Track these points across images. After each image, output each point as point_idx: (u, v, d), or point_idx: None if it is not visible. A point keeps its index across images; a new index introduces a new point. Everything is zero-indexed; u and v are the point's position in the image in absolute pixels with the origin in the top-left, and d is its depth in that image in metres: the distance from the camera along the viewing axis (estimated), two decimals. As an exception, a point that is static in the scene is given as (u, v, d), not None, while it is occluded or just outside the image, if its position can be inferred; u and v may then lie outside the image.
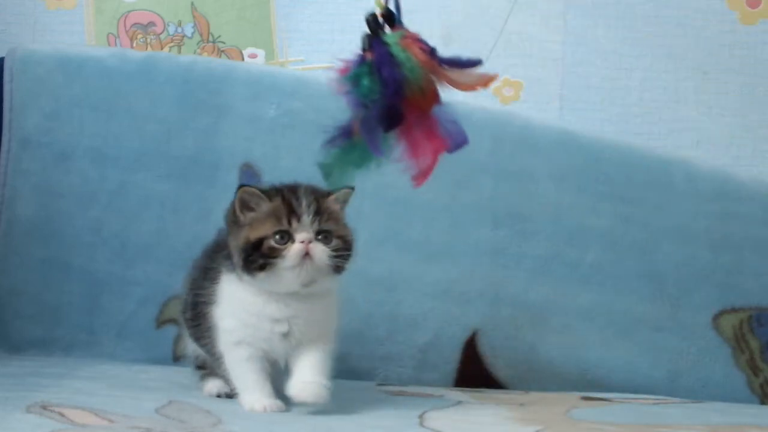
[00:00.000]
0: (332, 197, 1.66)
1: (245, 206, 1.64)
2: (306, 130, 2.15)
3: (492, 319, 2.12)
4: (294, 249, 1.60)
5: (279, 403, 1.67)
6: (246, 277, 1.63)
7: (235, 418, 1.60)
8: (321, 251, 1.61)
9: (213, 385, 1.79)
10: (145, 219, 2.11)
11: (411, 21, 2.31)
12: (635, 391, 2.08)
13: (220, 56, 2.31)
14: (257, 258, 1.60)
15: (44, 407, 1.57)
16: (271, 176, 2.12)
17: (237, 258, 1.63)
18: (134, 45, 2.32)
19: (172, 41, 2.32)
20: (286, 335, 1.66)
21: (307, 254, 1.61)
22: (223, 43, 2.32)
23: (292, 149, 2.15)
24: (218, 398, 1.77)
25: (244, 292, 1.65)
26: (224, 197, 2.09)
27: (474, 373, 2.11)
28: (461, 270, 2.13)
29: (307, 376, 1.65)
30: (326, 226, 1.62)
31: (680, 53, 2.31)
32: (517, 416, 1.77)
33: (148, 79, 2.16)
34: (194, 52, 2.31)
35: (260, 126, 2.15)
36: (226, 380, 1.73)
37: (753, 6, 2.30)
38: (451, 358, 2.12)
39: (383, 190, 2.14)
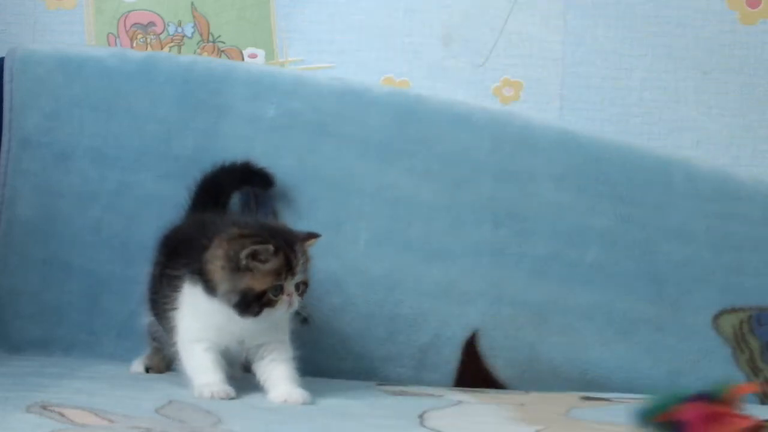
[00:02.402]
0: (308, 244, 1.80)
1: (255, 257, 1.74)
2: (306, 130, 2.15)
3: (492, 319, 2.12)
4: (284, 301, 1.76)
5: (229, 389, 1.76)
6: (234, 313, 1.76)
7: (235, 418, 1.60)
8: (297, 300, 1.78)
9: (138, 363, 1.98)
10: (145, 219, 2.11)
11: (411, 21, 2.33)
12: (635, 391, 2.08)
13: (220, 56, 2.31)
14: (256, 306, 1.75)
15: (44, 407, 1.57)
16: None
17: (233, 299, 1.75)
18: (134, 45, 2.32)
19: (172, 41, 2.32)
20: (241, 342, 1.81)
21: (290, 304, 1.78)
22: (223, 43, 2.32)
23: (292, 149, 2.15)
24: (207, 398, 1.79)
25: (206, 305, 1.78)
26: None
27: (474, 373, 2.11)
28: (461, 270, 2.13)
29: (287, 386, 1.79)
30: (303, 277, 1.78)
31: (680, 53, 2.31)
32: (517, 416, 1.77)
33: (148, 79, 2.16)
34: (194, 52, 2.31)
35: (260, 126, 2.15)
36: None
37: (753, 6, 2.30)
38: (451, 358, 2.12)
39: (383, 190, 2.14)
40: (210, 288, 1.76)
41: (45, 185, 2.14)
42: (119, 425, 1.50)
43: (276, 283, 1.74)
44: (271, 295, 1.75)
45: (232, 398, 1.75)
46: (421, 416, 1.72)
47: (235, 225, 1.80)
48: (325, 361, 2.10)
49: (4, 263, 2.13)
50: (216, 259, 1.76)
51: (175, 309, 1.82)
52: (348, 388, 1.97)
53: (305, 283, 1.79)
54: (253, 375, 1.84)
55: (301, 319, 2.06)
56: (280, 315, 1.77)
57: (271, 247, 1.74)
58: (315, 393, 1.84)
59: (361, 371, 2.11)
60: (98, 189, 2.14)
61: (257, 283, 1.74)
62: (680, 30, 2.31)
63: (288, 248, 1.76)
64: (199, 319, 1.79)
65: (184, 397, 1.73)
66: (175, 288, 1.82)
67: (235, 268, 1.74)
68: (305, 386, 1.81)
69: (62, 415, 1.54)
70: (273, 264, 1.74)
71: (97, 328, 2.13)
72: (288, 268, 1.75)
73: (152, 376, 1.97)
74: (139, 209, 2.12)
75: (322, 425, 1.61)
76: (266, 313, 1.75)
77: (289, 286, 1.76)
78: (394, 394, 1.96)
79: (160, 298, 1.87)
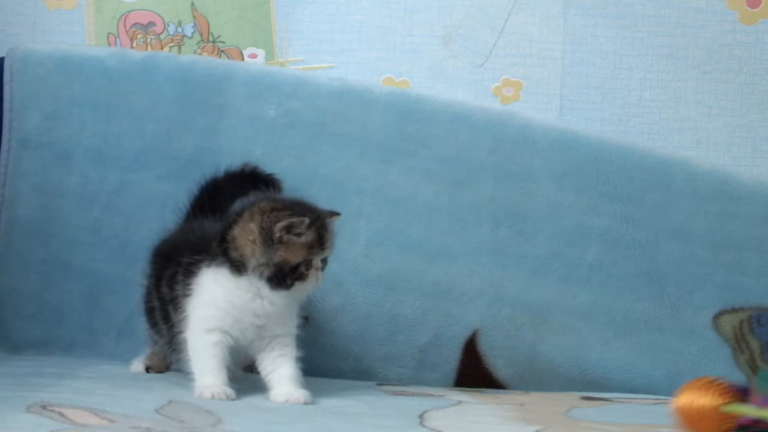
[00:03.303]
0: (331, 220, 1.81)
1: (290, 231, 1.75)
2: (306, 130, 2.15)
3: (492, 319, 2.12)
4: (315, 275, 1.78)
5: (229, 391, 1.76)
6: (266, 289, 1.77)
7: (235, 418, 1.60)
8: (322, 275, 1.79)
9: (138, 363, 1.99)
10: (145, 219, 2.11)
11: (411, 21, 2.33)
12: (635, 391, 2.09)
13: (220, 56, 2.31)
14: (290, 279, 1.76)
15: (44, 407, 1.57)
16: (271, 176, 2.14)
17: (266, 272, 1.76)
18: (134, 45, 2.32)
19: (172, 41, 2.32)
20: (260, 327, 1.80)
21: (317, 278, 1.79)
22: (223, 43, 2.32)
23: (292, 149, 2.15)
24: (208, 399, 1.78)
25: (231, 286, 1.77)
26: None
27: (474, 373, 2.11)
28: (461, 270, 2.13)
29: (289, 387, 1.79)
30: (330, 252, 1.80)
31: (680, 53, 2.31)
32: (517, 416, 1.77)
33: (148, 79, 2.16)
34: (194, 52, 2.31)
35: (260, 126, 2.15)
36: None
37: (753, 6, 2.31)
38: (451, 358, 2.12)
39: (383, 190, 2.14)
40: (238, 265, 1.76)
41: (45, 185, 2.14)
42: (119, 425, 1.50)
43: (308, 257, 1.75)
44: (303, 269, 1.76)
45: (233, 400, 1.75)
46: (421, 416, 1.72)
47: (265, 199, 1.81)
48: (325, 361, 2.10)
49: (4, 263, 2.13)
50: (247, 233, 1.76)
51: (188, 296, 1.80)
52: (348, 388, 1.97)
53: (326, 261, 1.80)
54: (257, 370, 1.83)
55: (301, 318, 2.06)
56: (310, 289, 1.78)
57: (306, 220, 1.75)
58: (315, 393, 1.84)
59: (361, 371, 2.11)
60: (98, 189, 2.14)
61: (292, 255, 1.75)
62: (680, 30, 2.31)
63: (320, 223, 1.77)
64: (218, 304, 1.78)
65: (184, 397, 1.73)
66: (192, 273, 1.80)
67: (269, 240, 1.75)
68: (305, 386, 1.81)
69: (62, 415, 1.54)
70: (307, 237, 1.76)
71: (97, 328, 2.13)
72: (320, 242, 1.76)
73: (152, 376, 1.97)
74: (139, 209, 2.12)
75: (322, 425, 1.61)
76: (297, 286, 1.76)
77: (317, 261, 1.77)
78: (394, 394, 1.96)
79: (165, 297, 1.87)
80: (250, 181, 2.07)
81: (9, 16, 2.31)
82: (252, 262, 1.75)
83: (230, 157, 2.13)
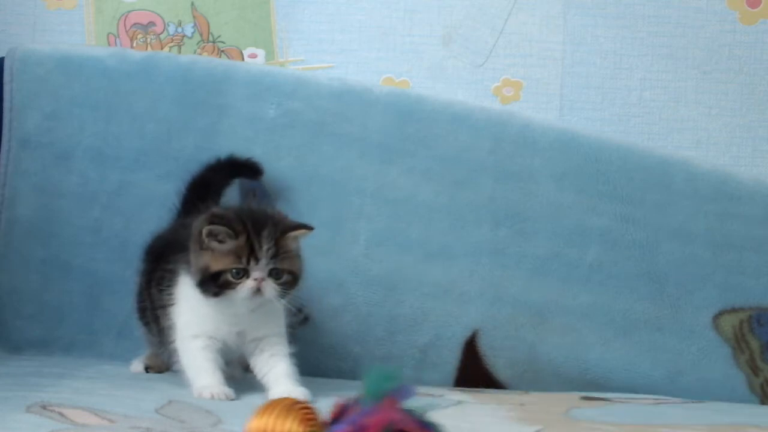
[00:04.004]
0: (291, 235, 1.77)
1: (213, 236, 1.74)
2: (306, 130, 2.15)
3: (492, 319, 2.12)
4: (246, 285, 1.74)
5: (228, 391, 1.76)
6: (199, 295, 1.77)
7: (235, 418, 1.60)
8: (271, 288, 1.75)
9: (138, 363, 1.99)
10: (145, 219, 2.11)
11: (411, 21, 2.33)
12: (635, 391, 2.09)
13: (220, 56, 2.31)
14: (212, 287, 1.75)
15: (44, 407, 1.57)
16: (271, 176, 2.13)
17: (194, 277, 1.76)
18: (134, 45, 2.32)
19: (172, 41, 2.32)
20: (240, 333, 1.81)
21: (258, 290, 1.75)
22: (223, 43, 2.32)
23: (292, 149, 2.15)
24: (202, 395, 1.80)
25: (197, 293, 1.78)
26: (224, 198, 2.11)
27: (474, 373, 2.11)
28: (461, 270, 2.13)
29: (288, 385, 1.78)
30: (280, 264, 1.75)
31: (680, 53, 2.31)
32: (517, 416, 1.77)
33: (148, 79, 2.16)
34: (194, 52, 2.31)
35: (260, 126, 2.15)
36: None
37: (753, 6, 2.31)
38: (451, 358, 2.12)
39: (383, 190, 2.14)
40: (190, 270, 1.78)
41: (45, 185, 2.14)
42: (119, 425, 1.50)
43: (236, 266, 1.73)
44: (230, 277, 1.73)
45: (232, 399, 1.75)
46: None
47: (221, 207, 1.82)
48: (325, 361, 2.10)
49: (4, 263, 2.13)
50: (192, 240, 1.78)
51: (172, 305, 1.83)
52: (348, 388, 1.96)
53: (291, 273, 1.77)
54: (253, 373, 1.84)
55: (301, 318, 2.06)
56: (243, 299, 1.74)
57: (223, 228, 1.73)
58: (315, 393, 1.84)
59: (361, 371, 2.10)
60: (98, 189, 2.14)
61: (214, 262, 1.74)
62: (680, 30, 2.31)
63: (254, 233, 1.74)
64: (196, 310, 1.79)
65: (184, 397, 1.73)
66: (172, 282, 1.83)
67: (200, 247, 1.76)
68: (305, 386, 1.81)
69: (62, 415, 1.54)
70: (230, 245, 1.74)
71: (97, 328, 2.13)
72: (250, 251, 1.73)
73: (152, 375, 1.97)
74: (139, 209, 2.12)
75: (322, 425, 1.61)
76: (228, 295, 1.74)
77: (256, 271, 1.73)
78: (394, 394, 1.95)
79: (154, 300, 1.89)
80: (231, 169, 2.08)
81: (9, 16, 2.31)
82: (191, 268, 1.77)
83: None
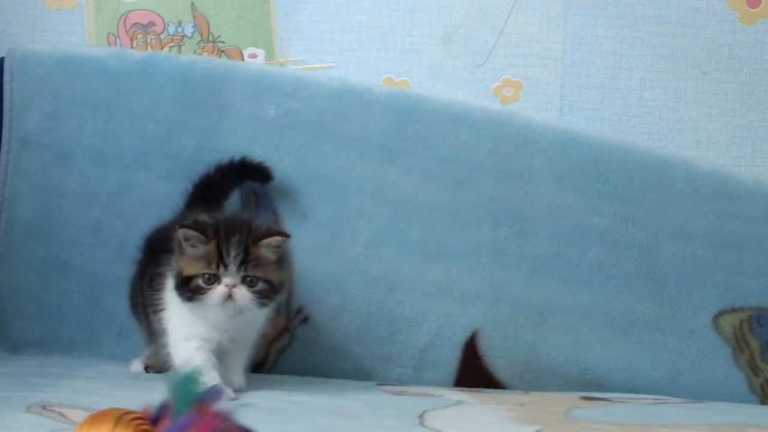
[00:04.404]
0: (265, 242, 1.77)
1: (187, 241, 1.76)
2: (306, 130, 2.15)
3: (492, 319, 2.12)
4: (217, 291, 1.75)
5: (226, 389, 1.74)
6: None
7: (234, 418, 1.60)
8: (243, 295, 1.75)
9: (138, 362, 1.99)
10: (145, 219, 2.11)
11: (411, 21, 2.33)
12: (635, 391, 2.09)
13: (220, 56, 2.31)
14: (186, 291, 1.76)
15: (44, 407, 1.57)
16: (271, 176, 2.14)
17: (174, 280, 1.78)
18: (134, 45, 2.32)
19: (172, 41, 2.32)
20: (233, 338, 1.82)
21: (230, 296, 1.75)
22: (223, 43, 2.32)
23: (292, 149, 2.15)
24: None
25: None
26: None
27: (474, 373, 2.11)
28: (461, 270, 2.13)
29: (226, 371, 1.81)
30: (252, 272, 1.76)
31: (680, 53, 2.31)
32: (517, 416, 1.77)
33: (148, 79, 2.16)
34: (194, 52, 2.31)
35: (260, 126, 2.15)
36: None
37: (753, 6, 2.31)
38: (451, 358, 2.12)
39: (383, 190, 2.14)
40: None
41: (45, 185, 2.14)
42: (119, 425, 1.49)
43: (207, 271, 1.74)
44: (201, 282, 1.74)
45: (232, 399, 1.75)
46: (421, 416, 1.72)
47: (205, 213, 1.82)
48: (325, 361, 2.10)
49: (4, 263, 2.13)
50: (174, 244, 1.79)
51: (162, 310, 1.83)
52: (348, 388, 1.97)
53: (267, 281, 1.77)
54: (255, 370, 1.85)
55: (301, 318, 2.07)
56: (214, 306, 1.75)
57: (194, 233, 1.74)
58: (315, 393, 1.84)
59: (361, 371, 2.11)
60: (98, 189, 2.14)
61: (187, 267, 1.76)
62: (680, 30, 2.31)
63: (224, 239, 1.75)
64: (185, 313, 1.80)
65: (184, 397, 1.73)
66: (161, 287, 1.84)
67: (179, 251, 1.77)
68: (305, 386, 1.81)
69: (62, 415, 1.54)
70: (201, 251, 1.75)
71: (97, 328, 2.13)
72: (220, 257, 1.74)
73: (152, 375, 1.97)
74: (139, 209, 2.12)
75: (322, 425, 1.61)
76: (200, 300, 1.75)
77: (227, 277, 1.74)
78: (394, 394, 1.96)
79: (146, 299, 1.90)
80: (241, 171, 2.08)
81: (9, 16, 2.31)
82: (172, 271, 1.79)
83: (230, 157, 2.13)
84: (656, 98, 2.32)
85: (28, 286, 2.13)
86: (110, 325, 2.12)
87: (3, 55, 2.18)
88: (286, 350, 2.11)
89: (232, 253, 1.74)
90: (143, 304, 1.92)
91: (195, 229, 1.75)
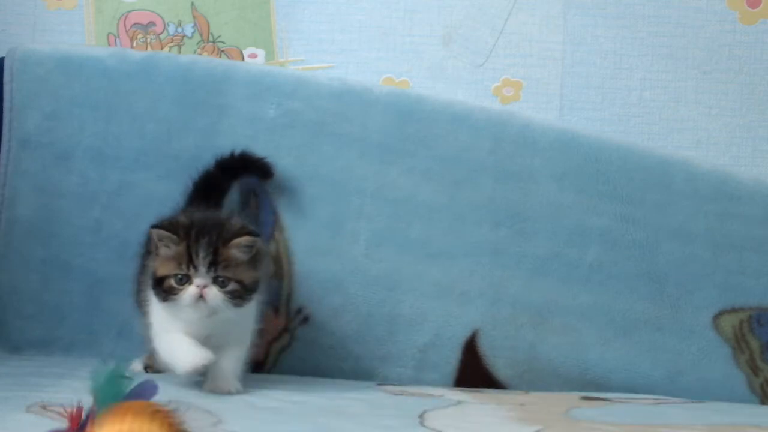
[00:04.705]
0: (234, 242, 1.78)
1: (161, 241, 1.78)
2: (306, 130, 2.15)
3: (492, 319, 2.12)
4: (188, 291, 1.76)
5: (208, 354, 1.77)
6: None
7: (235, 417, 1.60)
8: (214, 295, 1.77)
9: (138, 363, 1.98)
10: (145, 219, 2.09)
11: (411, 21, 2.33)
12: (635, 391, 2.09)
13: (220, 56, 2.31)
14: (160, 291, 1.78)
15: (44, 407, 1.57)
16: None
17: (150, 280, 1.81)
18: (134, 45, 2.32)
19: (172, 41, 2.32)
20: (208, 337, 1.81)
21: (201, 296, 1.77)
22: (223, 43, 2.32)
23: (292, 149, 2.15)
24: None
25: None
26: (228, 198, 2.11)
27: (474, 373, 2.11)
28: (461, 270, 2.13)
29: (219, 374, 1.82)
30: (223, 273, 1.77)
31: (680, 53, 2.31)
32: (517, 416, 1.77)
33: (148, 79, 2.16)
34: (194, 52, 2.31)
35: (260, 126, 2.15)
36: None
37: (753, 6, 2.31)
38: (451, 358, 2.12)
39: (383, 190, 2.14)
40: None
41: (45, 185, 2.14)
42: (119, 425, 1.49)
43: (178, 272, 1.76)
44: (173, 283, 1.76)
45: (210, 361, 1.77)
46: (421, 416, 1.72)
47: (185, 213, 1.84)
48: (325, 361, 2.10)
49: (4, 263, 2.13)
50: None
51: (150, 304, 1.85)
52: (348, 388, 1.97)
53: (238, 282, 1.78)
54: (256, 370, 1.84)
55: (301, 318, 2.07)
56: (187, 306, 1.76)
57: (165, 233, 1.77)
58: (315, 393, 1.85)
59: (361, 371, 2.11)
60: (98, 189, 2.14)
61: (161, 267, 1.78)
62: (680, 30, 2.31)
63: (194, 240, 1.76)
64: (164, 312, 1.81)
65: (184, 397, 1.73)
66: (147, 285, 1.85)
67: (154, 251, 1.80)
68: (305, 386, 1.81)
69: (62, 415, 1.53)
70: (173, 251, 1.77)
71: (97, 328, 2.13)
72: (190, 259, 1.76)
73: (152, 375, 1.97)
74: (139, 209, 2.12)
75: (322, 425, 1.62)
76: (173, 301, 1.76)
77: (197, 278, 1.76)
78: (394, 394, 1.96)
79: (142, 292, 1.91)
80: (241, 166, 2.08)
81: (9, 16, 2.31)
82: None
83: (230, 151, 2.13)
84: (656, 98, 2.32)
85: (28, 286, 2.13)
86: (110, 325, 2.12)
87: (3, 55, 2.18)
88: (286, 350, 2.11)
89: (201, 254, 1.76)
90: (141, 297, 1.92)
91: (167, 230, 1.77)
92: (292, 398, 1.80)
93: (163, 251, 1.78)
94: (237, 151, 2.08)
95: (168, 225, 1.79)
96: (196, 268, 1.76)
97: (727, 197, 2.15)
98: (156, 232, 1.78)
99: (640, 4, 2.31)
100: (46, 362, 2.01)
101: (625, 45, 2.32)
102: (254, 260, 1.82)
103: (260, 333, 1.98)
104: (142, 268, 1.93)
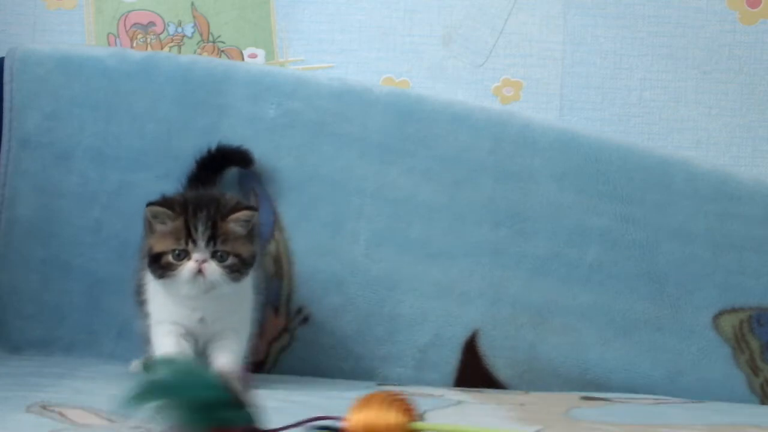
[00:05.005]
0: (233, 217, 1.79)
1: (156, 218, 1.79)
2: (306, 130, 2.15)
3: (492, 319, 2.12)
4: (187, 266, 1.77)
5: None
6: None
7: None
8: (213, 270, 1.77)
9: (138, 363, 1.98)
10: (145, 219, 2.11)
11: (411, 21, 2.33)
12: (635, 391, 2.09)
13: (220, 56, 2.31)
14: (157, 268, 1.78)
15: (44, 407, 1.57)
16: (271, 176, 2.13)
17: (145, 259, 1.80)
18: (134, 45, 2.32)
19: (172, 41, 2.32)
20: (202, 320, 1.81)
21: (200, 271, 1.77)
22: (223, 43, 2.32)
23: (292, 149, 2.15)
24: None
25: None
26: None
27: (474, 373, 2.11)
28: (461, 270, 2.13)
29: (220, 361, 1.81)
30: (222, 247, 1.78)
31: (680, 53, 2.31)
32: (517, 416, 1.77)
33: (148, 79, 2.16)
34: (194, 52, 2.31)
35: (260, 126, 2.15)
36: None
37: (753, 6, 2.31)
38: (451, 358, 2.12)
39: (383, 190, 2.14)
40: None
41: (45, 185, 2.14)
42: (119, 425, 1.50)
43: (176, 247, 1.76)
44: (171, 258, 1.76)
45: None
46: (421, 416, 1.72)
47: (178, 192, 1.86)
48: (325, 361, 2.10)
49: (4, 263, 2.13)
50: (144, 225, 1.82)
51: (145, 292, 1.85)
52: (348, 388, 1.97)
53: (236, 255, 1.78)
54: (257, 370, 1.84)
55: (301, 318, 2.07)
56: (185, 282, 1.76)
57: (162, 209, 1.77)
58: (315, 393, 1.84)
59: (361, 371, 2.11)
60: (98, 189, 2.14)
61: (157, 244, 1.78)
62: (680, 30, 2.31)
63: (192, 215, 1.77)
64: (158, 295, 1.82)
65: (184, 397, 1.73)
66: (144, 276, 1.86)
67: (149, 229, 1.80)
68: (305, 386, 1.81)
69: (62, 415, 1.54)
70: (169, 227, 1.77)
71: (97, 328, 2.13)
72: (188, 233, 1.76)
73: (152, 376, 1.97)
74: (139, 209, 2.11)
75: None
76: (171, 277, 1.76)
77: (196, 252, 1.76)
78: (394, 394, 1.95)
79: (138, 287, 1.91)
80: (221, 159, 2.09)
81: (9, 16, 2.31)
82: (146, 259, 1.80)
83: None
84: (656, 98, 2.32)
85: (28, 286, 2.13)
86: (110, 325, 2.12)
87: (3, 55, 2.18)
88: (286, 350, 2.11)
89: (200, 229, 1.76)
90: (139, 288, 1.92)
91: (163, 206, 1.78)
92: (292, 398, 1.80)
93: (159, 228, 1.78)
94: (213, 147, 2.08)
95: (163, 201, 1.79)
96: (195, 242, 1.76)
97: (727, 197, 2.15)
98: (151, 209, 1.78)
99: (640, 4, 2.31)
100: (46, 362, 2.01)
101: (625, 45, 2.32)
102: (251, 234, 1.83)
103: (259, 333, 1.98)
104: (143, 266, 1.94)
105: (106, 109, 2.15)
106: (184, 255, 1.76)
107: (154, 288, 1.83)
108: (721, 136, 2.31)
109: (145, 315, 1.88)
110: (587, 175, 2.15)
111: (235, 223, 1.80)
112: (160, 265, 1.77)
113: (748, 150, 2.31)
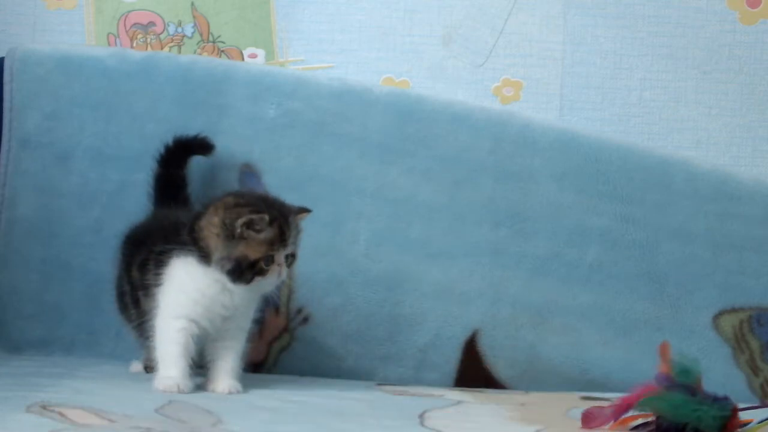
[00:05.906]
0: (300, 217, 1.83)
1: (250, 227, 1.77)
2: (306, 130, 2.15)
3: (492, 319, 2.12)
4: (276, 271, 1.80)
5: (183, 384, 1.77)
6: (228, 282, 1.80)
7: (235, 417, 1.60)
8: (286, 270, 1.82)
9: (138, 363, 1.99)
10: (145, 219, 2.11)
11: (411, 21, 2.33)
12: (635, 391, 2.08)
13: (220, 56, 2.31)
14: (249, 274, 1.78)
15: (44, 407, 1.57)
16: (271, 176, 2.13)
17: (227, 266, 1.78)
18: (134, 45, 2.32)
19: (172, 41, 2.33)
20: (227, 318, 1.83)
21: (280, 274, 1.82)
22: (223, 43, 2.32)
23: (292, 149, 2.15)
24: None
25: (200, 275, 1.81)
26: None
27: (474, 373, 2.11)
28: (461, 270, 2.13)
29: (227, 381, 1.83)
30: (294, 248, 1.82)
31: (680, 53, 2.31)
32: (517, 416, 1.77)
33: (148, 79, 2.16)
34: (194, 52, 2.31)
35: (260, 126, 2.15)
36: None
37: (753, 6, 2.31)
38: (451, 358, 2.12)
39: (383, 190, 2.14)
40: (204, 256, 1.79)
41: (45, 185, 2.14)
42: (119, 425, 1.50)
43: (269, 253, 1.78)
44: (263, 264, 1.78)
45: (184, 393, 1.76)
46: (421, 416, 1.72)
47: (231, 194, 1.83)
48: (325, 361, 2.10)
49: (4, 263, 2.13)
50: (211, 227, 1.79)
51: (159, 285, 1.83)
52: (348, 388, 1.97)
53: (293, 255, 1.82)
54: (259, 370, 1.84)
55: (301, 318, 2.07)
56: (271, 284, 1.80)
57: (266, 217, 1.77)
58: (315, 393, 1.84)
59: (361, 371, 2.11)
60: (98, 189, 2.14)
61: (251, 251, 1.78)
62: (680, 30, 2.31)
63: (282, 219, 1.79)
64: (188, 293, 1.81)
65: (184, 397, 1.73)
66: (163, 263, 1.83)
67: (230, 235, 1.78)
68: (305, 386, 1.81)
69: (62, 415, 1.54)
70: (267, 234, 1.78)
71: (97, 328, 2.13)
72: (281, 239, 1.78)
73: (152, 375, 1.96)
74: (139, 209, 2.12)
75: (322, 425, 1.62)
76: (258, 281, 1.79)
77: (280, 256, 1.79)
78: (394, 394, 1.96)
79: (135, 283, 1.90)
80: (182, 151, 2.08)
81: (9, 16, 2.31)
82: (215, 255, 1.79)
83: (230, 157, 2.13)
84: (656, 98, 2.32)
85: (28, 286, 2.13)
86: (110, 325, 2.12)
87: (3, 55, 2.18)
88: (286, 350, 2.11)
89: (292, 233, 1.81)
90: (133, 297, 1.91)
91: (260, 213, 1.77)
92: (292, 398, 1.80)
93: (254, 235, 1.78)
94: (169, 141, 2.07)
95: (258, 209, 1.79)
96: (285, 246, 1.79)
97: (727, 197, 2.15)
98: (250, 218, 1.76)
99: (640, 4, 2.31)
100: (46, 362, 2.01)
101: (625, 45, 2.32)
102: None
103: (259, 333, 1.98)
104: (128, 268, 1.92)
105: (106, 109, 2.15)
106: (271, 260, 1.79)
107: (180, 286, 1.81)
108: (721, 136, 2.32)
109: (141, 314, 1.87)
110: (587, 175, 2.15)
111: (299, 224, 1.84)
112: (254, 271, 1.79)
113: (748, 150, 2.31)
